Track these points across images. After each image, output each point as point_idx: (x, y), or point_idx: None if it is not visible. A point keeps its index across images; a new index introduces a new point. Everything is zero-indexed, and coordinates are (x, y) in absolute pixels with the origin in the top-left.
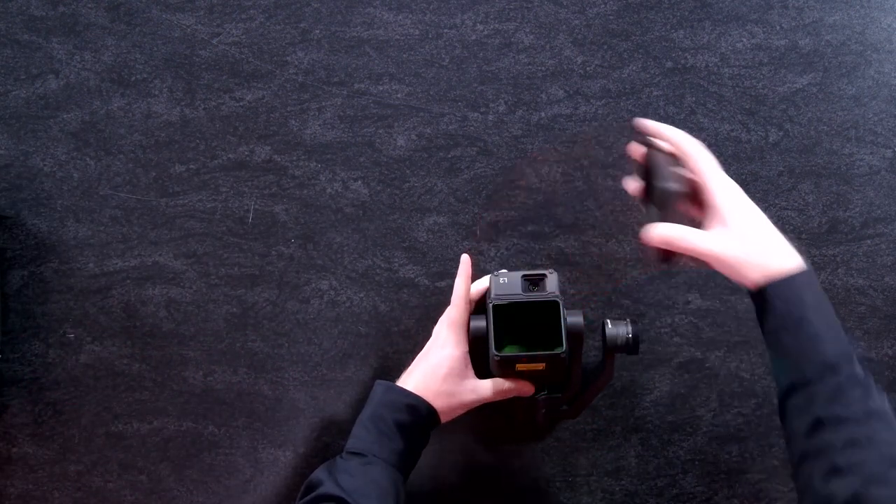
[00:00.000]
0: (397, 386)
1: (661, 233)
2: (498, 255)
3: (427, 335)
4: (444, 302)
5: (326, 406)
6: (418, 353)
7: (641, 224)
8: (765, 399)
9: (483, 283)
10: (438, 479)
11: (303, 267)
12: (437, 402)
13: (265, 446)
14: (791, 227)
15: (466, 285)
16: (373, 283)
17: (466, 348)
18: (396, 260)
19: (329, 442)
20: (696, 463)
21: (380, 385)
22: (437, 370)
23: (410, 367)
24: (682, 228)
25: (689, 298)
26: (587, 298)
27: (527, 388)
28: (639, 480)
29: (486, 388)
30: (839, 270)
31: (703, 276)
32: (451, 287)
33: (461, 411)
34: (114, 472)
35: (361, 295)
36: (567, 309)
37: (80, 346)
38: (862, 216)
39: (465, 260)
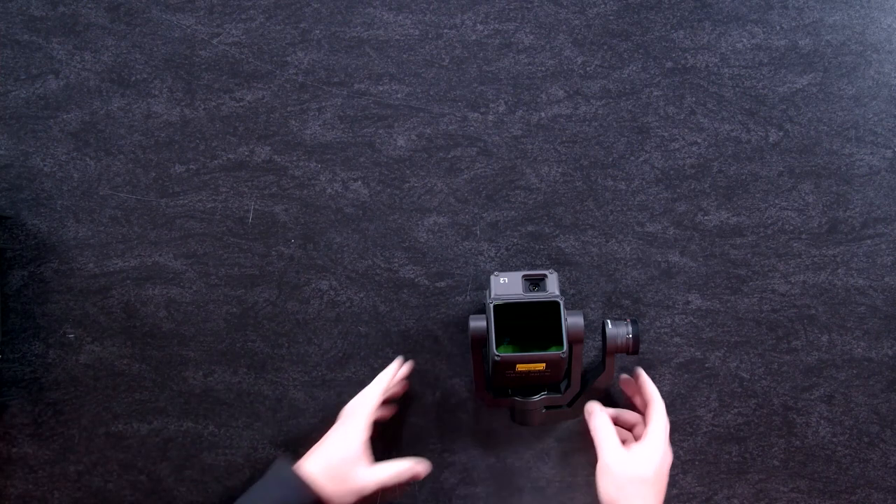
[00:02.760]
0: (291, 469)
1: (594, 410)
2: (498, 255)
3: (427, 336)
4: (444, 302)
5: (326, 406)
6: (414, 352)
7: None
8: (765, 399)
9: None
10: (438, 481)
11: (303, 267)
12: (330, 487)
13: (265, 446)
14: (791, 227)
15: (388, 380)
16: (373, 283)
17: (365, 435)
18: (396, 260)
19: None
20: (696, 463)
21: (277, 465)
22: (333, 454)
23: (315, 447)
24: (610, 428)
25: (689, 298)
26: (587, 298)
27: (421, 471)
28: None
29: (379, 473)
30: (839, 270)
31: (703, 276)
32: (451, 287)
33: (355, 498)
34: (114, 472)
35: (361, 295)
36: (567, 309)
37: (80, 346)
38: (862, 216)
39: (399, 361)
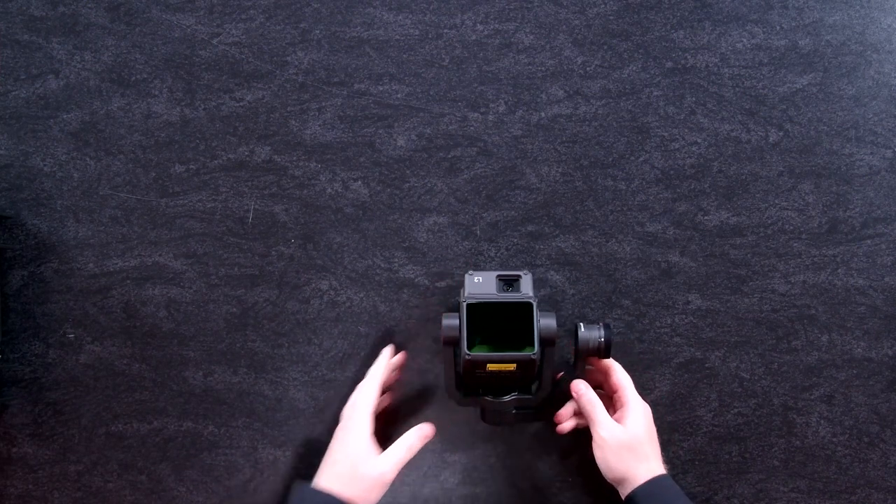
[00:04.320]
0: (311, 488)
1: (581, 389)
2: (498, 255)
3: (427, 336)
4: (444, 302)
5: (326, 406)
6: (414, 351)
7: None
8: (765, 399)
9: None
10: (438, 480)
11: (303, 267)
12: (351, 491)
13: (265, 446)
14: (791, 227)
15: (381, 372)
16: (373, 283)
17: (370, 430)
18: (396, 260)
19: (329, 442)
20: (696, 463)
21: (295, 489)
22: (343, 459)
23: (324, 458)
24: (600, 404)
25: (689, 298)
26: (587, 298)
27: (430, 433)
28: None
29: (393, 458)
30: (839, 270)
31: (703, 276)
32: (451, 287)
33: (381, 491)
34: (114, 472)
35: (361, 295)
36: (540, 311)
37: (80, 346)
38: (862, 216)
39: (389, 351)
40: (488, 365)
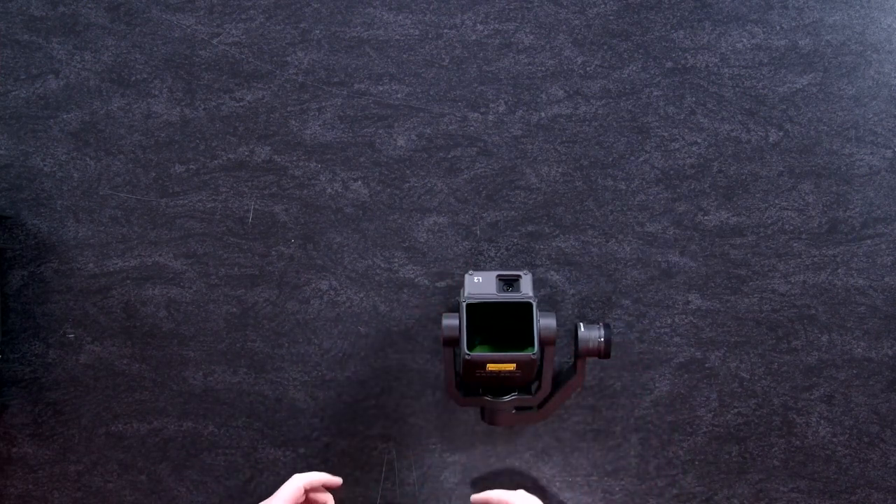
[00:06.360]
0: None
1: None
2: (498, 255)
3: (427, 335)
4: (444, 302)
5: (326, 406)
6: (415, 352)
7: None
8: (765, 399)
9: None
10: (438, 480)
11: (303, 267)
12: None
13: (265, 446)
14: (791, 227)
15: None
16: (373, 283)
17: None
18: (396, 260)
19: (329, 442)
20: (696, 463)
21: None
22: None
23: None
24: None
25: (689, 298)
26: (587, 298)
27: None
28: (639, 480)
29: None
30: (839, 270)
31: (703, 276)
32: (451, 287)
33: None
34: (114, 472)
35: (361, 295)
36: (540, 311)
37: (80, 346)
38: (862, 216)
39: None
40: (488, 365)
